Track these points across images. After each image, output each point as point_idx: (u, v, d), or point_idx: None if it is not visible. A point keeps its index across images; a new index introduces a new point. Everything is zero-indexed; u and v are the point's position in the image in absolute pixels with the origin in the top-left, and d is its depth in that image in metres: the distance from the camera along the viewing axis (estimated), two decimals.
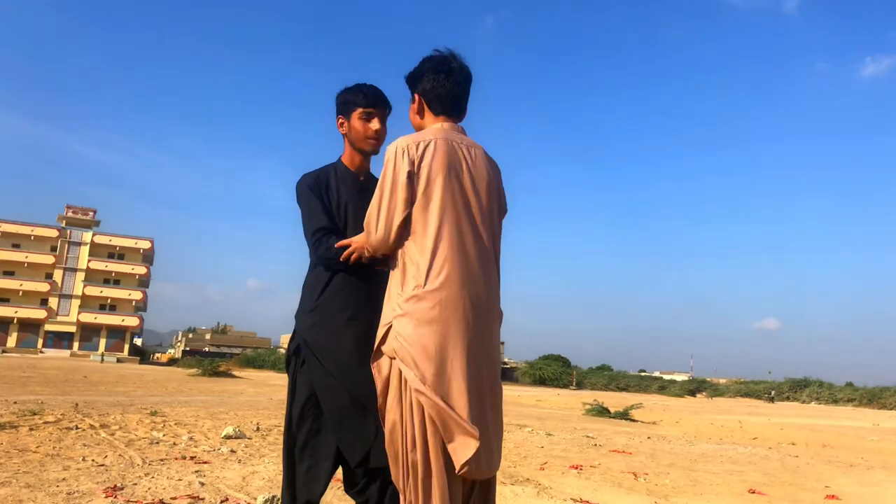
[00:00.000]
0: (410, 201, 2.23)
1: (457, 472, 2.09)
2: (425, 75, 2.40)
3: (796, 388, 62.88)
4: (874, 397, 55.02)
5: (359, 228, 2.51)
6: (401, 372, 2.16)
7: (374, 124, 2.63)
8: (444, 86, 2.38)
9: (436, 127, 2.38)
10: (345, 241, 2.46)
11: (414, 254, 2.22)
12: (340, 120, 2.69)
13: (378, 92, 2.66)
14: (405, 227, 2.25)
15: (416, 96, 2.44)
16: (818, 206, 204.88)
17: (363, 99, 2.62)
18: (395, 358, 2.18)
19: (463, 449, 2.08)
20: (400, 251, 2.27)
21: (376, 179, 2.66)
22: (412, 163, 2.23)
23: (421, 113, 2.45)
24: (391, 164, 2.25)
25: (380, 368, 2.26)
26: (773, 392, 61.16)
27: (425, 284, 2.17)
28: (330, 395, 2.47)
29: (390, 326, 2.22)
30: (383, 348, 2.24)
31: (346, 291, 2.53)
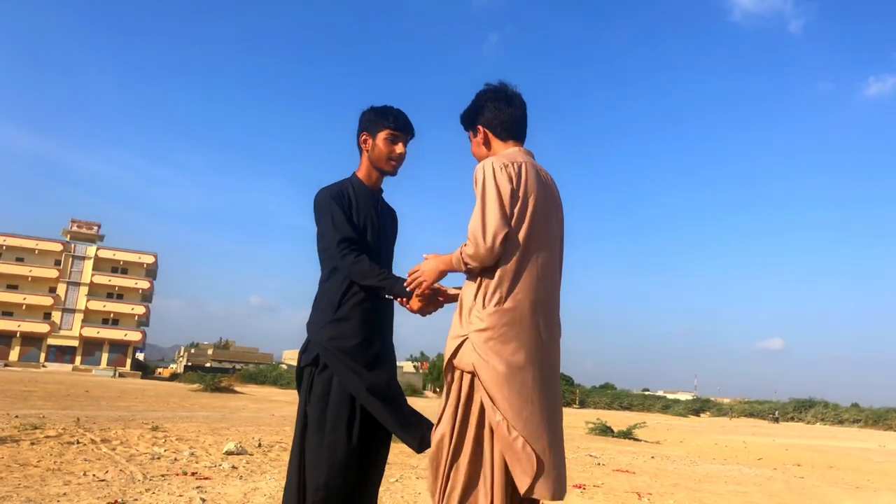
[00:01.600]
0: (511, 217, 2.24)
1: (522, 495, 2.11)
2: (485, 106, 2.46)
3: (801, 409, 62.51)
4: (880, 418, 54.60)
5: (375, 242, 2.66)
6: (465, 386, 2.20)
7: (400, 147, 2.72)
8: (506, 112, 2.45)
9: (515, 151, 2.41)
10: (415, 273, 2.47)
11: (497, 270, 2.23)
12: (364, 137, 2.75)
13: (407, 118, 2.74)
14: (509, 241, 2.24)
15: (480, 128, 2.48)
16: (822, 224, 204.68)
17: (393, 122, 2.71)
18: (472, 372, 2.18)
19: (523, 477, 2.09)
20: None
21: (384, 201, 2.83)
22: (511, 180, 2.26)
23: (487, 144, 2.49)
24: (493, 178, 2.24)
25: (448, 380, 2.28)
26: (776, 412, 60.75)
27: (506, 301, 2.21)
28: (366, 389, 2.48)
29: (465, 339, 2.23)
30: (455, 361, 2.25)
31: (364, 305, 2.58)
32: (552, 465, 2.14)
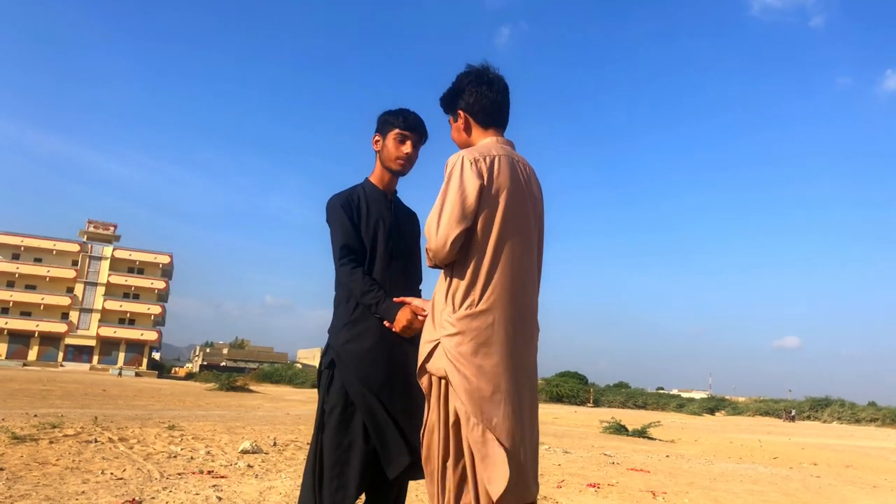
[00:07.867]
0: (475, 215, 2.14)
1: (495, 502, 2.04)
2: (466, 90, 2.35)
3: (817, 408, 61.82)
4: None
5: (388, 246, 2.67)
6: (441, 390, 2.15)
7: (407, 147, 2.73)
8: (488, 96, 2.34)
9: (491, 142, 2.32)
10: (406, 309, 2.50)
11: (468, 271, 2.15)
12: (377, 137, 2.80)
13: (418, 119, 2.77)
14: (466, 239, 2.15)
15: (461, 113, 2.38)
16: (838, 222, 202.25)
17: (402, 122, 2.74)
18: (444, 377, 2.13)
19: (497, 483, 2.03)
20: (452, 266, 2.20)
21: (401, 202, 2.84)
22: (481, 176, 2.15)
23: (468, 130, 2.39)
24: (459, 173, 2.16)
25: (423, 385, 2.23)
26: (793, 411, 60.18)
27: (479, 303, 2.13)
28: (368, 407, 2.49)
29: (437, 344, 2.17)
30: (428, 366, 2.19)
31: None
32: (525, 472, 2.09)
